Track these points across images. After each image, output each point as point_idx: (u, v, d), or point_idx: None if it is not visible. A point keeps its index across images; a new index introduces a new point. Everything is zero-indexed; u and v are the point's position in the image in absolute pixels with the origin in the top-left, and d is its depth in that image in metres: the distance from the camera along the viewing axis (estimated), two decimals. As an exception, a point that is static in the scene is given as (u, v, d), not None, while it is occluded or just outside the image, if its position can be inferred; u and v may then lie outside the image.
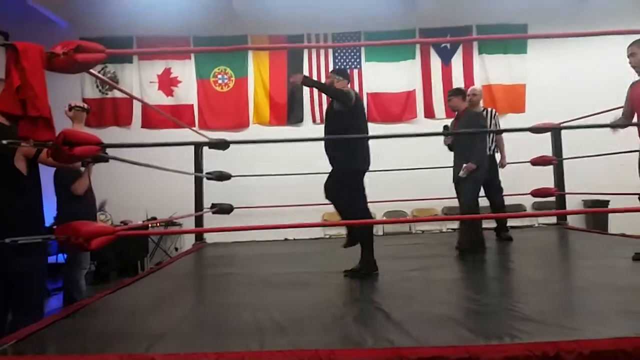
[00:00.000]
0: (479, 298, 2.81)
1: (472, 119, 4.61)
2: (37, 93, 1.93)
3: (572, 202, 6.98)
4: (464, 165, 4.36)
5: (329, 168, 5.95)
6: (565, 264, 4.16)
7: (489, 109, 5.25)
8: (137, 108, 8.29)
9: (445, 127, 4.78)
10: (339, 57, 8.43)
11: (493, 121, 5.16)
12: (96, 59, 2.13)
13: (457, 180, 4.55)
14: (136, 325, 2.52)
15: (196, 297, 3.22)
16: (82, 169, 4.47)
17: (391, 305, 2.63)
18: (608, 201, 7.46)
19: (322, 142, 3.85)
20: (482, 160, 4.46)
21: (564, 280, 3.43)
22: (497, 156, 5.32)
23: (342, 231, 7.61)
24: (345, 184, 3.58)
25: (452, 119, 4.90)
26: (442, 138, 4.97)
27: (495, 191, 5.08)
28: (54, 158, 2.09)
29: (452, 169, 4.68)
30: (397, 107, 8.40)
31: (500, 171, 5.33)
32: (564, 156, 5.85)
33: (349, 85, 3.77)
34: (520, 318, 2.28)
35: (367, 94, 8.36)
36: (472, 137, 4.47)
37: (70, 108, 2.79)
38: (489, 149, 5.03)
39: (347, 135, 3.52)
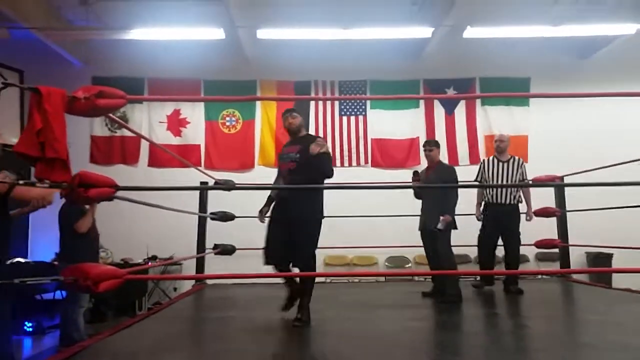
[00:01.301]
0: (489, 353, 2.77)
1: (446, 171, 4.72)
2: (57, 136, 1.99)
3: (575, 254, 6.94)
4: (441, 217, 4.43)
5: (337, 210, 5.96)
6: (573, 319, 4.11)
7: (516, 157, 5.14)
8: (144, 147, 8.41)
9: (415, 172, 4.80)
10: (345, 103, 8.61)
11: (520, 170, 5.05)
12: (116, 104, 2.20)
13: (423, 229, 4.69)
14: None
15: (198, 343, 3.17)
16: (87, 207, 4.56)
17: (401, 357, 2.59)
18: (612, 254, 7.44)
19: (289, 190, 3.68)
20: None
21: (574, 336, 3.38)
22: (521, 206, 5.14)
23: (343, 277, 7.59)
24: (315, 233, 3.54)
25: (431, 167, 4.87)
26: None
27: (514, 242, 5.01)
28: (68, 199, 2.13)
29: (419, 217, 4.78)
30: (401, 153, 8.51)
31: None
32: (567, 207, 5.88)
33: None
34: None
35: (372, 139, 8.50)
36: (447, 190, 4.61)
37: None
38: (513, 198, 4.97)
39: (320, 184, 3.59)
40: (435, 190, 4.70)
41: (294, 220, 3.48)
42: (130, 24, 7.15)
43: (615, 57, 8.32)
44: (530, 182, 5.07)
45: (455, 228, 4.59)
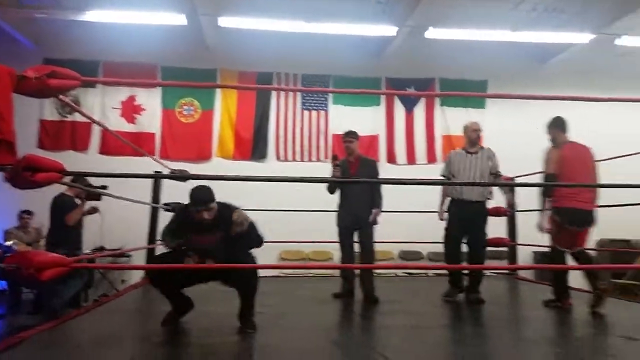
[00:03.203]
0: (423, 346, 2.82)
1: (374, 165, 4.65)
2: (3, 116, 1.87)
3: (524, 253, 7.19)
4: (374, 211, 4.38)
5: (290, 204, 5.81)
6: (516, 315, 4.24)
7: (486, 148, 4.55)
8: (96, 133, 8.13)
9: (335, 156, 4.56)
10: (307, 98, 8.60)
11: (490, 163, 4.44)
12: (69, 85, 2.10)
13: (350, 225, 4.43)
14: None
15: (144, 335, 3.08)
16: (78, 201, 4.94)
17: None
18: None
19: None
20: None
21: (515, 331, 3.48)
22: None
23: (299, 270, 7.60)
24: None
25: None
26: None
27: (480, 241, 4.45)
28: (12, 182, 2.01)
29: (339, 213, 4.51)
30: (360, 150, 8.43)
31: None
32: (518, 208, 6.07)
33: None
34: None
35: (333, 135, 8.52)
36: (378, 184, 4.53)
37: None
38: (481, 195, 4.39)
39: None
40: (365, 186, 4.46)
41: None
42: (86, 5, 6.86)
43: (570, 64, 8.70)
44: (500, 174, 4.48)
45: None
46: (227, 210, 3.04)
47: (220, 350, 2.56)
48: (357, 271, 4.59)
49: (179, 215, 3.14)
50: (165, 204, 5.40)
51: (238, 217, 2.99)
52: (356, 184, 4.51)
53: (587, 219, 3.90)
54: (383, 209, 4.49)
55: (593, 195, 3.93)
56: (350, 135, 4.61)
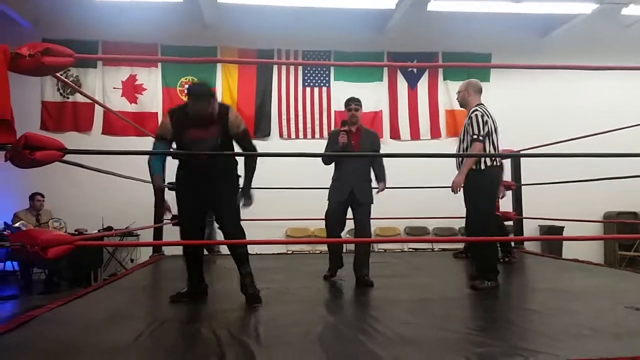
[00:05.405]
0: (436, 323, 2.84)
1: (376, 137, 4.38)
2: (-1, 94, 1.85)
3: (529, 227, 7.19)
4: (380, 184, 4.22)
5: (297, 183, 5.78)
6: (522, 287, 4.25)
7: (474, 107, 4.03)
8: (98, 114, 8.10)
9: (345, 122, 4.18)
10: (309, 75, 8.50)
11: (465, 126, 3.96)
12: (64, 63, 2.07)
13: (345, 200, 4.09)
14: (90, 339, 2.41)
15: (153, 312, 3.12)
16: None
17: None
18: (563, 227, 7.76)
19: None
20: None
21: (521, 302, 3.50)
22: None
23: (305, 247, 7.67)
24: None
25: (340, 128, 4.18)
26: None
27: (471, 215, 4.02)
28: (13, 162, 2.00)
29: (333, 186, 4.17)
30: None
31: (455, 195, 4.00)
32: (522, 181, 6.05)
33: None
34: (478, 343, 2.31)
35: (335, 111, 8.44)
36: (379, 158, 4.30)
37: None
38: (459, 166, 3.93)
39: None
40: (364, 159, 4.19)
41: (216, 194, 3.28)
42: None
43: (573, 36, 8.55)
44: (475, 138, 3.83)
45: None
46: (224, 108, 3.12)
47: (228, 324, 2.58)
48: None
49: (177, 111, 3.19)
50: (170, 183, 5.39)
51: (236, 118, 3.13)
52: (357, 157, 4.25)
53: None
54: (388, 186, 4.39)
55: None
56: (357, 102, 4.19)
